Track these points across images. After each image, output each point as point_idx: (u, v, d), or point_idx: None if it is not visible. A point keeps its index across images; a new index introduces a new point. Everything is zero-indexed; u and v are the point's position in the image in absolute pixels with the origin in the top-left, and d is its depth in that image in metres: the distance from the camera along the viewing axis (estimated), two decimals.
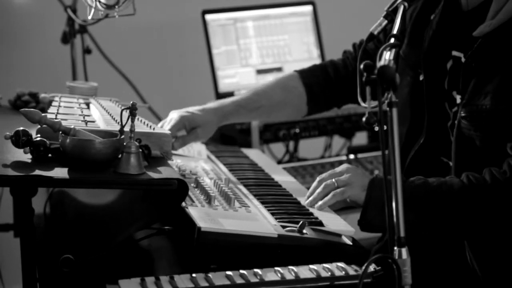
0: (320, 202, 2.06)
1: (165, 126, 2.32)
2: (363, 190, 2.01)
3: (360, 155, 3.16)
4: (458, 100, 2.09)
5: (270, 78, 3.39)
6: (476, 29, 2.02)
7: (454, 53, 2.12)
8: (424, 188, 1.97)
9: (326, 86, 2.46)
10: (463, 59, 2.08)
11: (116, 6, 2.34)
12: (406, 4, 2.05)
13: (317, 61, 3.45)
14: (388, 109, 1.56)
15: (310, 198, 2.08)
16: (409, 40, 2.25)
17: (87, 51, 3.26)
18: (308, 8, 3.49)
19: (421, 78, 2.17)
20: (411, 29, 2.25)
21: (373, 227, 2.02)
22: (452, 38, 2.12)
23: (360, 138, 3.43)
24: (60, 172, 1.82)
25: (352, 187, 2.02)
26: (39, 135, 1.93)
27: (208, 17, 3.36)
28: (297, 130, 3.18)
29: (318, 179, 2.09)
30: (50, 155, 1.91)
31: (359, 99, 2.07)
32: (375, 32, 2.08)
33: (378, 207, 1.96)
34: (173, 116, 2.34)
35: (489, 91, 1.99)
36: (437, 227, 2.00)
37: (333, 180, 2.05)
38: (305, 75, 2.47)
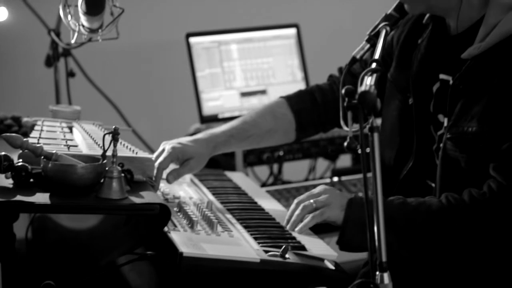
0: (300, 225, 2.06)
1: (158, 158, 2.29)
2: (341, 210, 2.02)
3: (344, 178, 3.16)
4: (445, 123, 2.09)
5: (254, 100, 3.40)
6: (464, 52, 2.03)
7: (442, 76, 2.12)
8: (402, 208, 1.98)
9: (314, 111, 2.46)
10: (451, 82, 2.08)
11: (100, 30, 2.34)
12: (388, 28, 2.07)
13: (301, 83, 3.45)
14: (369, 133, 1.56)
15: (290, 222, 2.08)
16: (397, 64, 2.26)
17: (70, 74, 3.26)
18: (292, 31, 3.50)
19: (410, 102, 2.17)
20: (399, 53, 2.26)
21: (352, 247, 2.02)
22: (440, 62, 2.13)
23: (344, 160, 3.43)
24: (42, 197, 1.82)
25: (330, 207, 2.03)
26: (20, 160, 1.93)
27: (192, 40, 3.36)
28: (281, 153, 3.18)
29: (295, 201, 2.10)
30: (31, 180, 1.91)
31: (342, 123, 2.08)
32: (358, 56, 2.10)
33: (356, 226, 1.97)
34: (165, 147, 2.32)
35: (475, 114, 2.00)
36: (416, 247, 2.00)
37: (311, 201, 2.06)
38: (293, 101, 2.47)
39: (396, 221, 1.96)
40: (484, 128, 1.98)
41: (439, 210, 1.96)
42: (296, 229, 2.06)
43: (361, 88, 1.59)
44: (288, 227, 2.09)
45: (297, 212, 2.07)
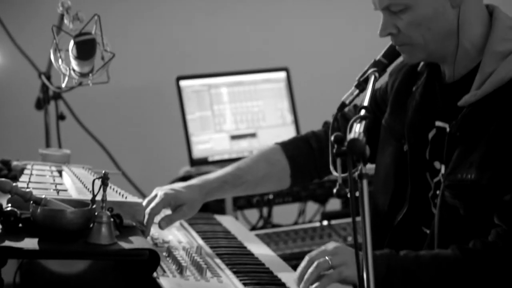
0: (314, 286, 1.92)
1: (150, 204, 2.28)
2: None
3: (333, 222, 3.16)
4: (443, 170, 2.09)
5: (244, 143, 3.41)
6: (460, 99, 2.04)
7: (438, 123, 2.12)
8: (418, 261, 1.95)
9: (309, 158, 2.46)
10: (447, 129, 2.09)
11: (90, 74, 2.35)
12: (377, 74, 2.08)
13: (291, 127, 3.47)
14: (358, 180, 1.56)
15: (304, 280, 1.94)
16: (392, 110, 2.26)
17: (61, 117, 3.27)
18: (282, 75, 3.53)
19: (405, 148, 2.17)
20: (394, 100, 2.26)
21: None
22: (436, 109, 2.14)
23: (334, 204, 3.44)
24: (30, 243, 1.81)
25: (348, 266, 1.92)
26: (9, 205, 1.92)
27: (183, 83, 3.38)
28: (271, 196, 3.18)
29: (307, 258, 1.97)
30: (20, 225, 1.90)
31: (331, 168, 2.08)
32: (347, 101, 2.10)
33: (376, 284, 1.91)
34: (158, 193, 2.31)
35: (473, 161, 1.99)
36: None
37: (326, 258, 1.94)
38: (288, 147, 2.46)
39: (414, 273, 1.93)
40: (483, 176, 1.97)
41: (456, 261, 1.94)
42: (312, 287, 1.93)
43: (350, 136, 1.60)
44: (301, 287, 1.95)
45: (310, 269, 1.93)
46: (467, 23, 2.04)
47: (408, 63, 2.20)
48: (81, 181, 2.27)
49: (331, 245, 1.99)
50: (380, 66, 2.10)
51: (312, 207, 3.47)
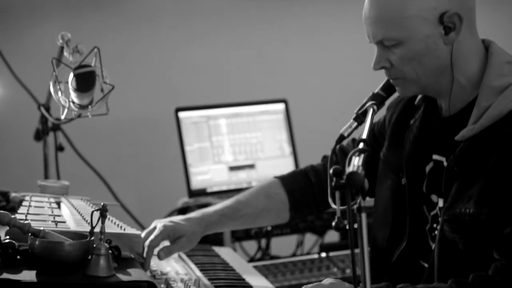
0: None
1: (149, 236, 2.28)
2: None
3: (332, 253, 3.15)
4: (441, 204, 2.08)
5: (242, 175, 3.41)
6: (457, 133, 2.05)
7: (435, 156, 2.12)
8: None
9: (308, 191, 2.46)
10: (445, 163, 2.09)
11: (89, 106, 2.36)
12: (375, 107, 2.09)
13: (290, 158, 3.47)
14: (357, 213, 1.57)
15: None
16: (390, 144, 2.27)
17: (59, 148, 3.27)
18: (281, 106, 3.54)
19: (403, 182, 2.17)
20: (391, 133, 2.27)
21: None
22: (433, 142, 2.14)
23: (332, 235, 3.43)
24: (29, 275, 1.81)
25: None
26: (8, 237, 1.92)
27: (181, 114, 3.39)
28: (269, 228, 3.18)
29: None
30: (18, 257, 1.90)
31: (330, 201, 2.08)
32: (345, 134, 2.11)
33: None
34: (157, 225, 2.32)
35: (472, 195, 1.99)
36: None
37: None
38: (287, 181, 2.47)
39: None
40: (482, 210, 1.96)
41: None
42: None
43: (349, 169, 1.60)
44: None
45: None
46: (461, 59, 2.05)
47: (403, 97, 2.21)
48: (79, 212, 2.27)
49: (327, 281, 2.00)
50: (378, 99, 2.11)
51: (310, 238, 3.47)
